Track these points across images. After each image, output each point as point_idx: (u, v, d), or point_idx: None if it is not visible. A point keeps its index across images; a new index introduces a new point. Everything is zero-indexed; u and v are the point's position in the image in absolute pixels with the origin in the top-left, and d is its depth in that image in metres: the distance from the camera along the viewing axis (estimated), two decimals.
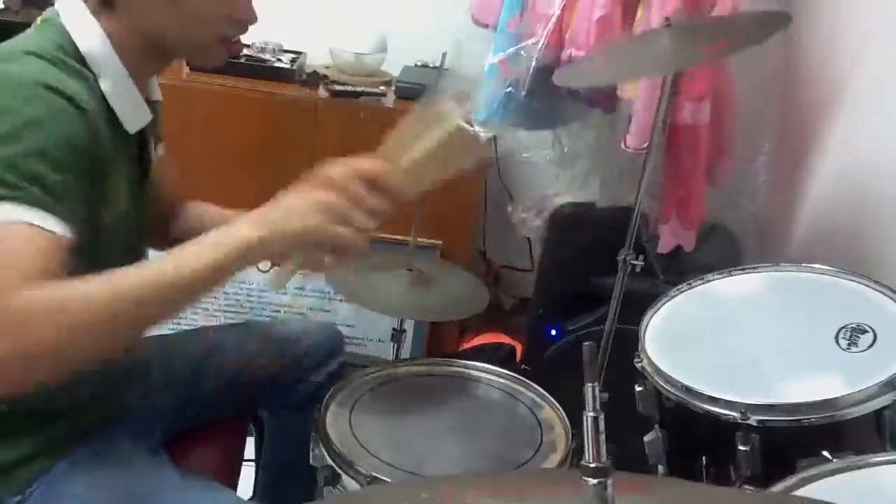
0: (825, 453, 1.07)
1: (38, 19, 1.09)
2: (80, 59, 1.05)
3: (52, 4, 1.10)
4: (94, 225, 1.06)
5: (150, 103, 1.18)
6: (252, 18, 1.15)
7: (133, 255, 1.20)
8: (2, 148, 0.93)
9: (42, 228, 0.91)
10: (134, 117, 1.11)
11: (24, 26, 1.10)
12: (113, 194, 1.08)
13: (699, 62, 1.47)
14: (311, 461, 1.29)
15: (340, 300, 2.22)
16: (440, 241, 2.19)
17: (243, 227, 0.99)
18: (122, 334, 0.95)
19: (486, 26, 2.07)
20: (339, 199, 1.03)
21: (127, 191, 1.11)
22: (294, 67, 2.22)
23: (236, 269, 0.99)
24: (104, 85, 1.06)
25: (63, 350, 0.88)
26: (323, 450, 1.26)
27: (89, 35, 1.06)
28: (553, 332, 2.09)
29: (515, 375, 1.48)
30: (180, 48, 1.14)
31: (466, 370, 1.51)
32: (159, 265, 0.96)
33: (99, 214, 1.06)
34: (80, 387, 1.13)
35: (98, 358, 0.93)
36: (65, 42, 1.05)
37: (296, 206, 1.02)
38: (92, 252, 1.07)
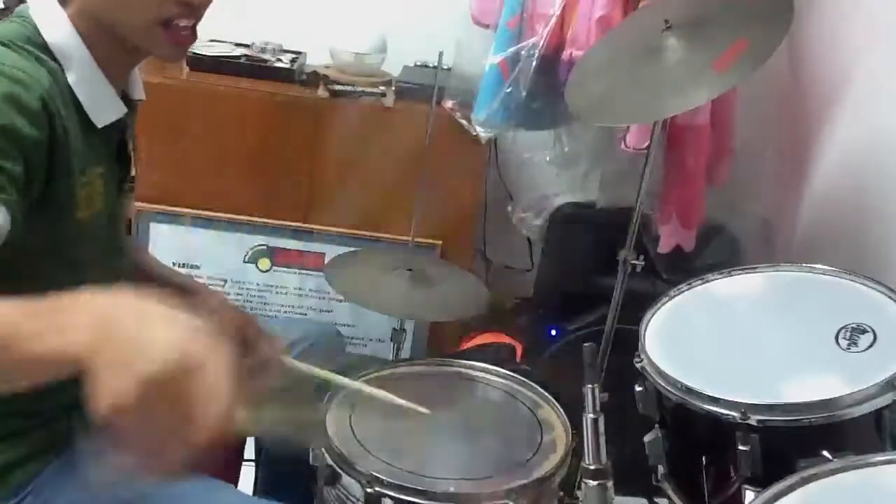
0: (825, 453, 1.07)
1: (14, 14, 1.08)
2: (47, 50, 1.03)
3: None
4: (67, 224, 1.05)
5: (132, 102, 1.17)
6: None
7: (115, 254, 1.20)
8: None
9: None
10: (102, 111, 1.08)
11: None
12: (86, 192, 1.06)
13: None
14: (311, 461, 1.29)
15: (340, 300, 2.22)
16: (440, 241, 2.19)
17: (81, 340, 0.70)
18: None
19: (487, 26, 2.07)
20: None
21: (103, 189, 1.10)
22: (294, 67, 2.22)
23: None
24: (70, 76, 1.04)
25: None
26: (323, 450, 1.26)
27: (56, 25, 1.04)
28: (553, 332, 2.09)
29: (515, 375, 1.48)
30: (126, 32, 1.08)
31: (466, 370, 1.51)
32: None
33: (71, 213, 1.05)
34: (73, 388, 1.12)
35: None
36: (31, 33, 1.03)
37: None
38: (69, 252, 1.08)
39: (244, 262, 2.18)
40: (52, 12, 1.05)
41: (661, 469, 1.32)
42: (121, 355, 0.66)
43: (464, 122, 2.02)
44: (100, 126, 1.09)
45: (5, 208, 0.91)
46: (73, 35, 1.05)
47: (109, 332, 0.68)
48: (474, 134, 2.01)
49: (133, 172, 1.25)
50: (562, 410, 1.38)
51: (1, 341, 0.71)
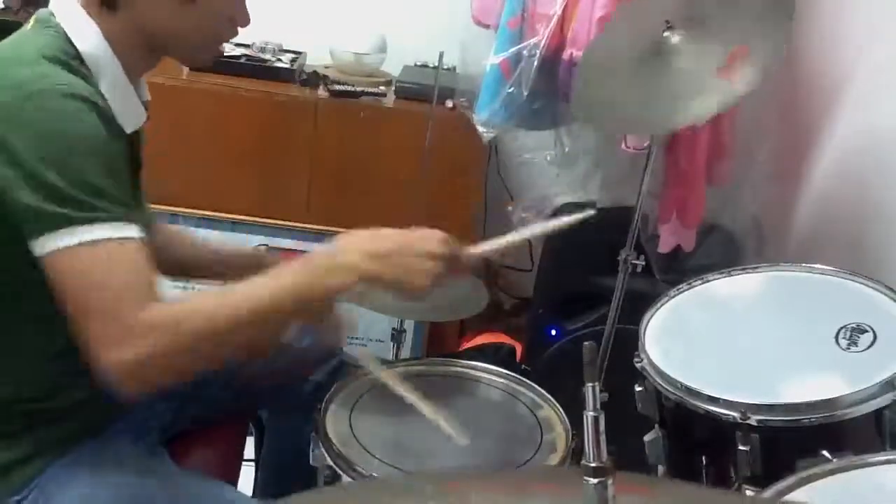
0: (825, 453, 1.07)
1: (32, 19, 1.08)
2: (81, 60, 1.05)
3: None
4: None
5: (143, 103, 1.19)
6: (246, 22, 1.16)
7: None
8: (59, 169, 0.95)
9: (127, 239, 0.98)
10: (131, 117, 1.11)
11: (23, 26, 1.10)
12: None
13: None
14: (311, 461, 1.28)
15: (340, 300, 2.21)
16: None
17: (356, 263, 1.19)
18: (227, 347, 1.06)
19: (487, 26, 2.07)
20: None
21: (128, 190, 1.11)
22: (294, 67, 2.23)
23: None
24: (103, 86, 1.06)
25: (176, 357, 0.99)
26: (323, 450, 1.26)
27: (88, 36, 1.05)
28: (553, 332, 2.09)
29: (515, 375, 1.48)
30: (179, 47, 1.13)
31: (466, 370, 1.50)
32: (257, 289, 1.06)
33: None
34: (78, 386, 1.13)
35: (200, 368, 1.06)
36: (64, 43, 1.04)
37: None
38: None
39: None
40: (82, 23, 1.06)
41: (661, 469, 1.32)
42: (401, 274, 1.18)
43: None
44: (129, 132, 1.11)
45: (131, 221, 1.00)
46: (104, 46, 1.06)
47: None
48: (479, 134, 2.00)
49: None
50: (562, 410, 1.38)
51: (302, 296, 1.11)
